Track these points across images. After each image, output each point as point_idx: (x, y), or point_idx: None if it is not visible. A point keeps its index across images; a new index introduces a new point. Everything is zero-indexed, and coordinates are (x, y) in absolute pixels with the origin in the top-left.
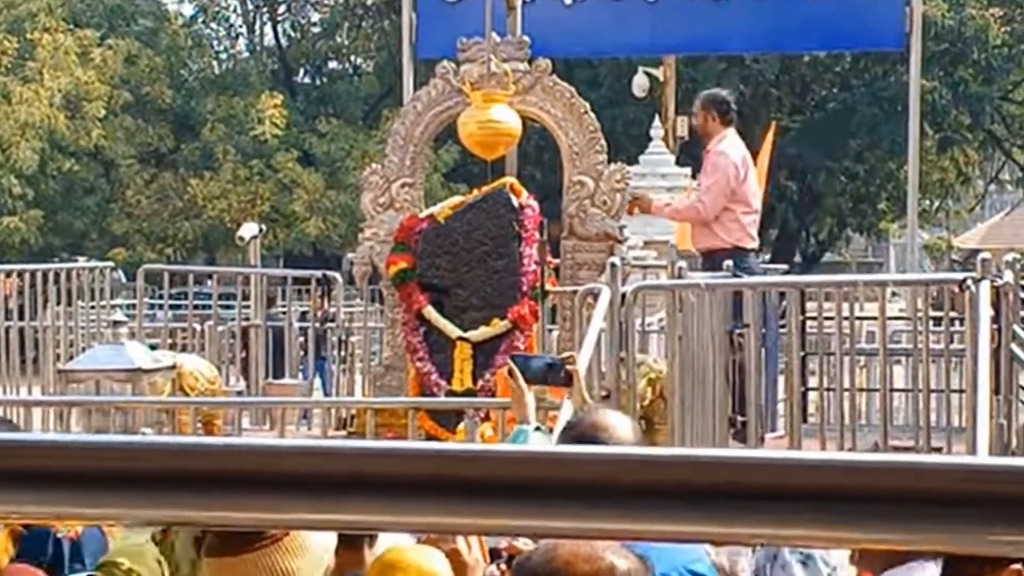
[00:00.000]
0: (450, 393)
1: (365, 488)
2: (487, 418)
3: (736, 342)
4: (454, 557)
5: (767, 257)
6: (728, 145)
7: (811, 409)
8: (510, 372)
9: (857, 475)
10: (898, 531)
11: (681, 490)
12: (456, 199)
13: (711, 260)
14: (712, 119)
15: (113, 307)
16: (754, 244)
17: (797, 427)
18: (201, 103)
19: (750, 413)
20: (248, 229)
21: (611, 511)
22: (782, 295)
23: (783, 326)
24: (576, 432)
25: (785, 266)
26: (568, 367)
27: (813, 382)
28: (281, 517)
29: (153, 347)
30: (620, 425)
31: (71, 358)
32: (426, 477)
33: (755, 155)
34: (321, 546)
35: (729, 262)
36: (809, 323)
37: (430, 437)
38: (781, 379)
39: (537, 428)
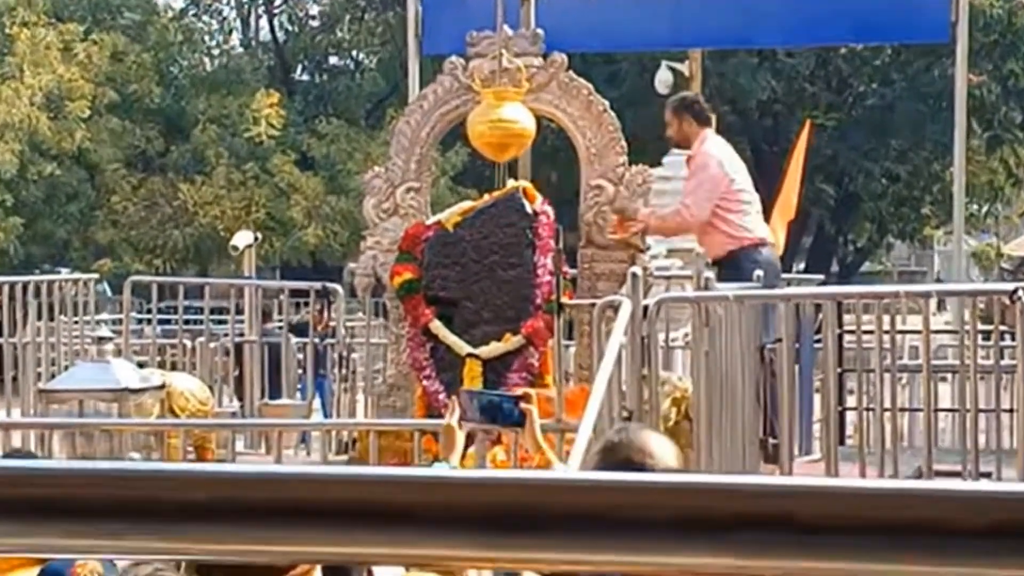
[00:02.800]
0: None
1: (368, 518)
2: (498, 441)
3: (767, 358)
4: None
5: (801, 266)
6: (710, 144)
7: (849, 431)
8: (455, 406)
9: (899, 503)
10: (942, 564)
11: (708, 519)
12: (465, 205)
13: (728, 266)
14: (687, 123)
15: (98, 322)
16: (763, 235)
17: (834, 450)
18: (192, 102)
19: (782, 435)
20: (242, 238)
21: (654, 542)
22: (817, 307)
23: (818, 341)
24: (620, 456)
25: (821, 276)
26: (523, 406)
27: (851, 401)
28: (281, 549)
29: (141, 365)
30: (666, 450)
31: (52, 377)
32: (437, 506)
33: (789, 155)
34: None
35: (759, 272)
36: (847, 337)
37: (437, 461)
38: (816, 398)
39: (453, 468)
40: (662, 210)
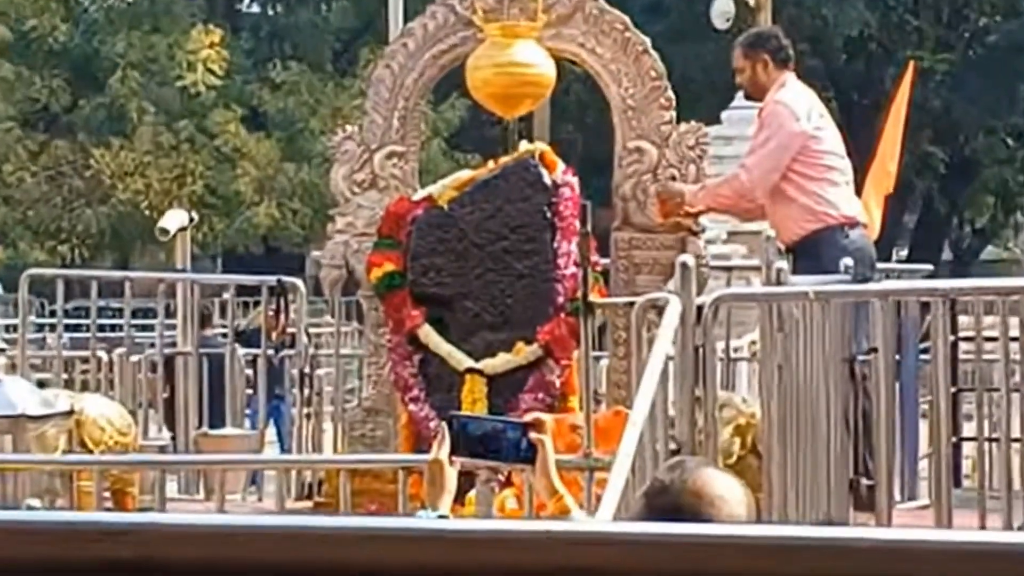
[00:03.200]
0: None
1: None
2: (508, 483)
3: (859, 373)
4: None
5: (903, 253)
6: (789, 91)
7: (966, 468)
8: (444, 436)
9: None
10: None
11: None
12: (464, 175)
13: (807, 253)
14: (763, 65)
15: None
16: (854, 213)
17: (946, 494)
18: (107, 43)
19: (879, 473)
20: (174, 218)
21: None
22: (924, 307)
23: (925, 351)
24: (670, 501)
25: (929, 266)
26: (532, 435)
27: (968, 429)
28: None
29: (42, 384)
30: (733, 495)
31: None
32: (421, 569)
33: (886, 109)
34: None
35: (848, 261)
36: (963, 346)
37: (422, 509)
38: (923, 425)
39: (442, 518)
40: (713, 180)
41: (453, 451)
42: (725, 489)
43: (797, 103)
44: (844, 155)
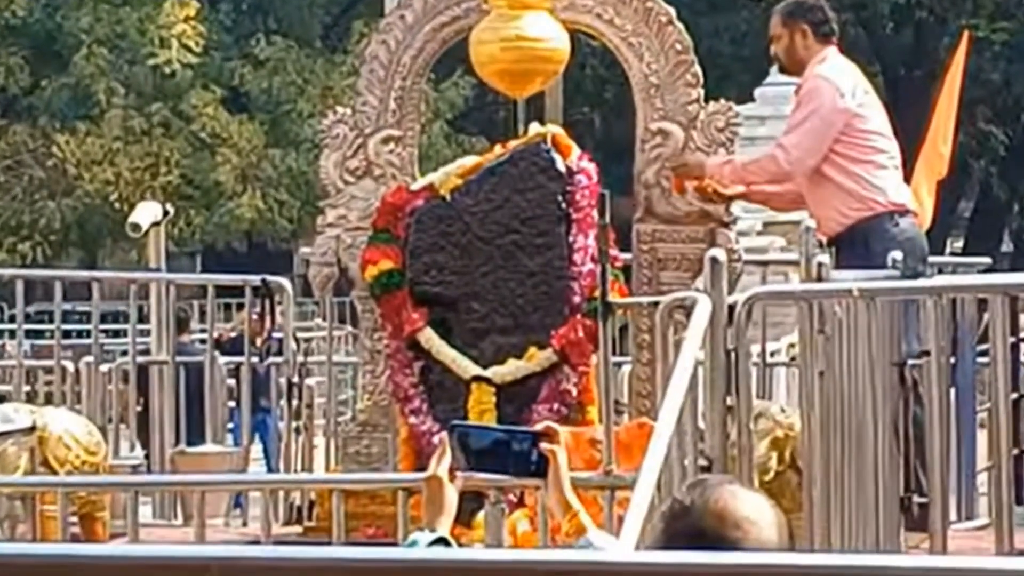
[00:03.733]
0: None
1: None
2: (520, 503)
3: (910, 379)
4: None
5: (958, 245)
6: (830, 66)
7: None
8: (445, 448)
9: None
10: None
11: None
12: (468, 161)
13: (852, 245)
14: (802, 35)
15: None
16: (903, 200)
17: (1008, 512)
18: (71, 17)
19: (933, 490)
20: (146, 212)
21: None
22: (982, 304)
23: (984, 353)
24: (690, 524)
25: (987, 259)
26: (543, 446)
27: None
28: None
29: (1, 398)
30: (762, 516)
31: None
32: None
33: (938, 84)
34: None
35: (896, 254)
36: None
37: (419, 531)
38: (981, 436)
39: (440, 540)
40: (744, 156)
41: (455, 466)
42: (753, 510)
43: (840, 78)
44: (891, 136)
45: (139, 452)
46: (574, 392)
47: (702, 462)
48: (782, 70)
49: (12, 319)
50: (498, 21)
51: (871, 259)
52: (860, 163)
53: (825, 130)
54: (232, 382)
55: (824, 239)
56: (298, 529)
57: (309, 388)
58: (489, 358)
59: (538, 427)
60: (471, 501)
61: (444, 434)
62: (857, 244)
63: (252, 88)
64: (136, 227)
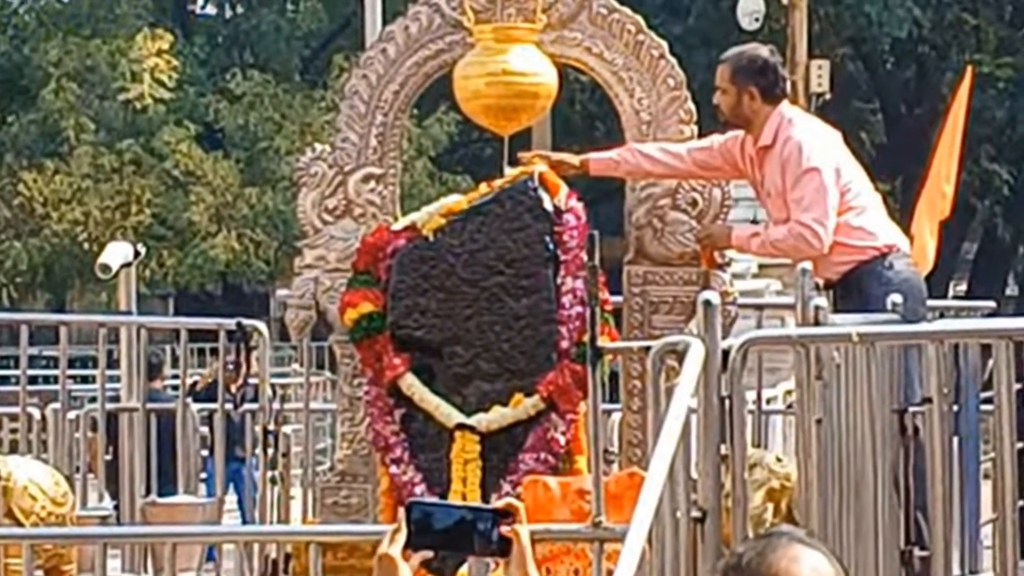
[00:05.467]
0: None
1: None
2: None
3: (911, 428)
4: None
5: (962, 288)
6: (801, 130)
7: None
8: (401, 527)
9: None
10: None
11: None
12: (452, 200)
13: (849, 289)
14: (749, 97)
15: None
16: (895, 239)
17: (1013, 567)
18: (40, 50)
19: (935, 543)
20: (116, 253)
21: None
22: (986, 350)
23: (988, 400)
24: None
25: (991, 303)
26: (504, 529)
27: None
28: None
29: None
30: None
31: None
32: None
33: (940, 121)
34: None
35: (896, 297)
36: None
37: None
38: (985, 486)
39: None
40: (773, 231)
41: (410, 544)
42: (811, 571)
43: (815, 140)
44: (865, 176)
45: (108, 503)
46: (562, 440)
47: (695, 513)
48: (725, 123)
49: None
50: (483, 55)
51: (868, 304)
52: (844, 212)
53: (834, 200)
54: (205, 430)
55: (821, 282)
56: None
57: (286, 436)
58: (473, 405)
59: (499, 503)
60: (454, 557)
61: (402, 510)
62: (852, 290)
63: (227, 124)
64: (106, 268)
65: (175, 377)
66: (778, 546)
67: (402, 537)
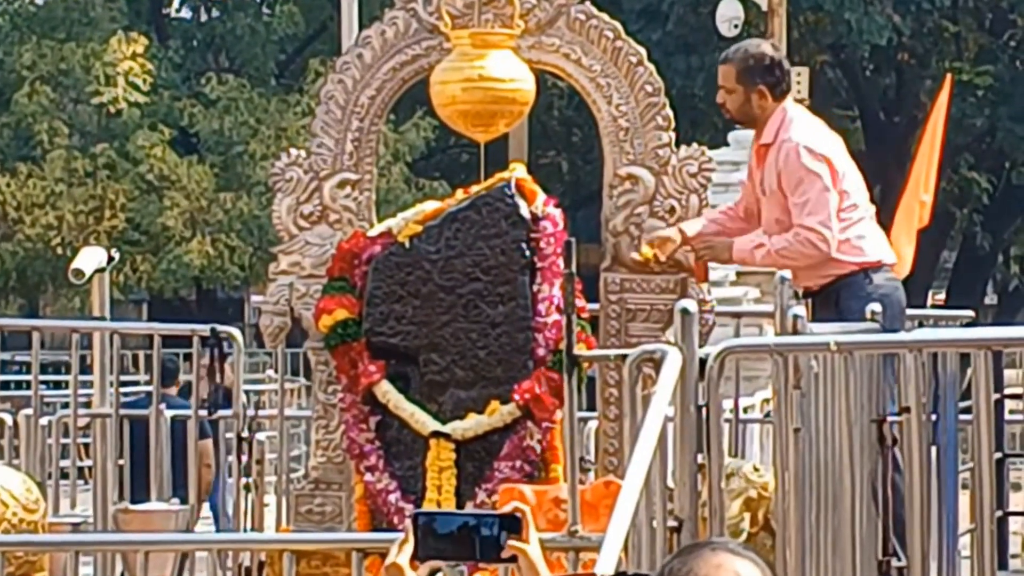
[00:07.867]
0: None
1: None
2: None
3: (889, 437)
4: None
5: (940, 297)
6: (801, 130)
7: (1014, 547)
8: (409, 536)
9: None
10: None
11: None
12: (429, 206)
13: (828, 298)
14: (759, 96)
15: None
16: (882, 255)
17: None
18: (13, 53)
19: (913, 554)
20: (89, 258)
21: None
22: (964, 359)
23: (967, 410)
24: None
25: (969, 312)
26: (511, 544)
27: (1016, 502)
28: None
29: None
30: None
31: None
32: None
33: (920, 130)
34: None
35: (875, 306)
36: (1009, 404)
37: None
38: (963, 496)
39: None
40: (776, 240)
41: (417, 555)
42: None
43: (820, 141)
44: (863, 187)
45: (80, 510)
46: (538, 449)
47: (671, 523)
48: (732, 119)
49: None
50: (460, 60)
51: (848, 312)
52: (839, 222)
53: (834, 197)
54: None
55: (800, 290)
56: None
57: (260, 443)
58: (449, 413)
59: (507, 508)
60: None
61: (409, 521)
62: (831, 301)
63: (202, 129)
64: (79, 273)
65: (147, 383)
66: (702, 555)
67: (409, 546)
